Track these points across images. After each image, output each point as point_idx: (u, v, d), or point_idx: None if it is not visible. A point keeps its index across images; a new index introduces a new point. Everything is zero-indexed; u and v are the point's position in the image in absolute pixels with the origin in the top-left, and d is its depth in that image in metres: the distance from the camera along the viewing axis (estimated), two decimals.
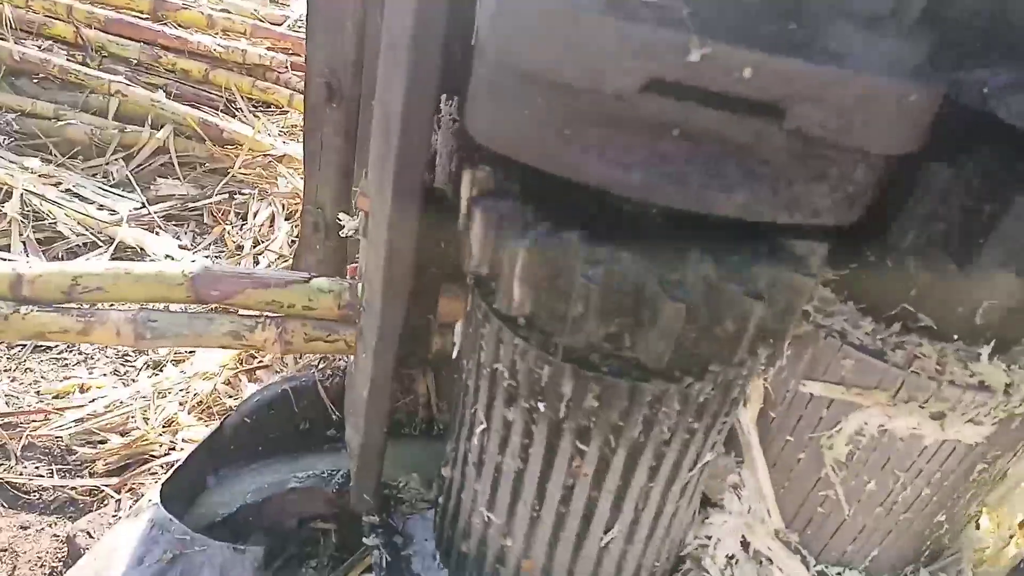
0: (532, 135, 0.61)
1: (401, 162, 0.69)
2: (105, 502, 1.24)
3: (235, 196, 2.00)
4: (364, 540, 0.96)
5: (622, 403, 0.70)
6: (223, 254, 1.86)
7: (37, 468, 1.31)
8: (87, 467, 1.31)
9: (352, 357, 1.10)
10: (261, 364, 1.45)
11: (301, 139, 1.68)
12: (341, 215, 1.31)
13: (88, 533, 1.15)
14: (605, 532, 0.78)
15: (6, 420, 1.38)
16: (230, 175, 2.05)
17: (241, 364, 1.46)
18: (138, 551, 0.95)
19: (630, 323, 0.66)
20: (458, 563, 0.91)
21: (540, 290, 0.65)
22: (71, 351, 1.57)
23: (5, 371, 1.50)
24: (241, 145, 2.11)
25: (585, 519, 0.77)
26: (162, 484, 1.04)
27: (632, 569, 0.84)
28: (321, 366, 1.14)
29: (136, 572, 0.94)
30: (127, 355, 1.56)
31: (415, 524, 1.03)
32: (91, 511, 1.24)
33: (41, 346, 1.56)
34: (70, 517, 1.24)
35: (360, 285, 0.91)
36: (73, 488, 1.27)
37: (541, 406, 0.72)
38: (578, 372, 0.69)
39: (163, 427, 1.36)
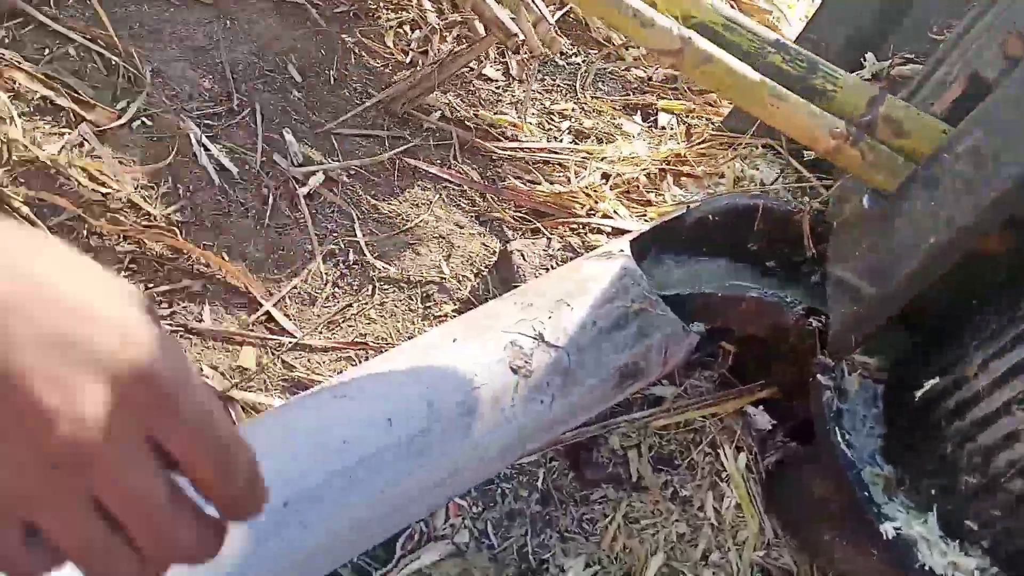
0: None
1: None
2: (536, 233, 1.32)
3: None
4: (818, 377, 0.95)
5: None
6: None
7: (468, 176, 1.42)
8: (514, 199, 1.39)
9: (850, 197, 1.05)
10: (691, 174, 1.44)
11: None
12: None
13: (522, 254, 1.23)
14: None
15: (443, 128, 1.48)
16: None
17: (669, 165, 1.47)
18: (609, 290, 1.01)
19: None
20: (924, 471, 0.88)
21: None
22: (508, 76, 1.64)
23: (452, 84, 1.60)
24: None
25: None
26: (630, 241, 1.08)
27: None
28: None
29: (601, 303, 0.99)
30: (552, 112, 1.61)
31: (851, 382, 1.01)
32: (515, 238, 1.33)
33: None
34: (496, 234, 1.34)
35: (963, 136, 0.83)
36: (500, 209, 1.36)
37: None
38: None
39: (585, 191, 1.41)
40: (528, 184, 1.42)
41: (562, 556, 1.03)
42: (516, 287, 1.20)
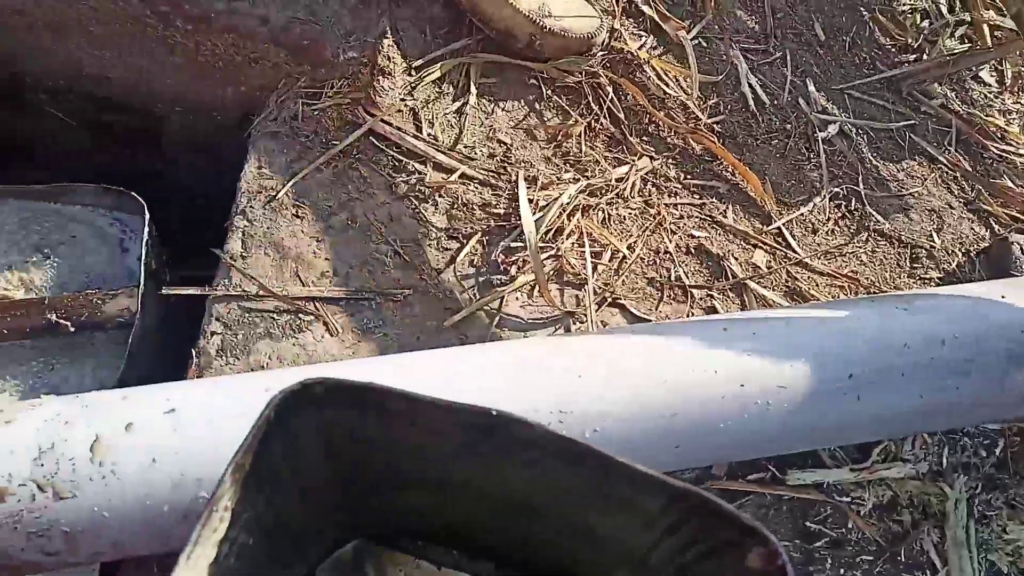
0: None
1: None
2: None
3: None
4: None
5: None
6: None
7: None
8: (1005, 197, 1.45)
9: None
10: None
11: None
12: None
13: (1022, 248, 1.30)
14: None
15: None
16: None
17: None
18: None
19: None
20: None
21: None
22: None
23: (949, 78, 1.66)
24: None
25: None
26: None
27: None
28: None
29: None
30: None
31: None
32: (1004, 233, 1.40)
33: None
34: (984, 224, 1.42)
35: None
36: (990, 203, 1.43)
37: None
38: None
39: None
40: (1020, 187, 1.47)
41: (1006, 519, 1.13)
42: (1011, 276, 1.28)
